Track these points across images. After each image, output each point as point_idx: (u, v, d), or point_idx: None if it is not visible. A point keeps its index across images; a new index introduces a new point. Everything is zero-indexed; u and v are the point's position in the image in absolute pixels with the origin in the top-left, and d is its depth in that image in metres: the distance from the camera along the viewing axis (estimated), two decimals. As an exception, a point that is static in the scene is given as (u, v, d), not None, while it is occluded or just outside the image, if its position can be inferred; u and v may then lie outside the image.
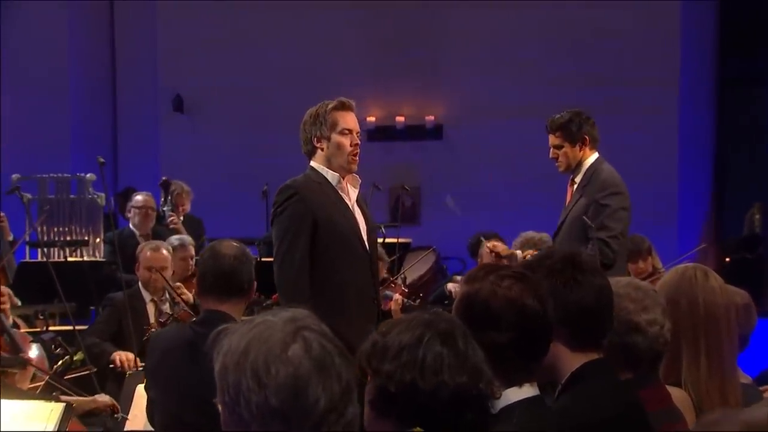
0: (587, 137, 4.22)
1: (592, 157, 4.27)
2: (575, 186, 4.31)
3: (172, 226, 6.54)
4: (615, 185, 4.18)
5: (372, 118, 9.85)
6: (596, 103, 9.41)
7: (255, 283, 3.04)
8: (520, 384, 1.75)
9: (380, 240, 6.55)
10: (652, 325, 2.12)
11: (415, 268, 7.49)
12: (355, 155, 3.69)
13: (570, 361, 1.92)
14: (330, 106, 3.71)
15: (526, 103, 9.35)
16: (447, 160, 9.78)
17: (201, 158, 9.80)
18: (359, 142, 3.72)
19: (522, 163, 9.22)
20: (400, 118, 9.86)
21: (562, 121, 4.23)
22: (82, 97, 9.84)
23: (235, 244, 3.08)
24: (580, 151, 4.23)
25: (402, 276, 6.54)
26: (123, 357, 4.62)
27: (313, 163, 3.75)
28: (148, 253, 5.05)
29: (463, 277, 1.86)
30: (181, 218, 6.77)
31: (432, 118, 9.84)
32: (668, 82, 9.44)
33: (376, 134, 9.82)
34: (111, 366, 4.57)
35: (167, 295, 5.04)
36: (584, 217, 4.06)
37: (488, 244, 4.59)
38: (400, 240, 7.35)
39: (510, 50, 9.65)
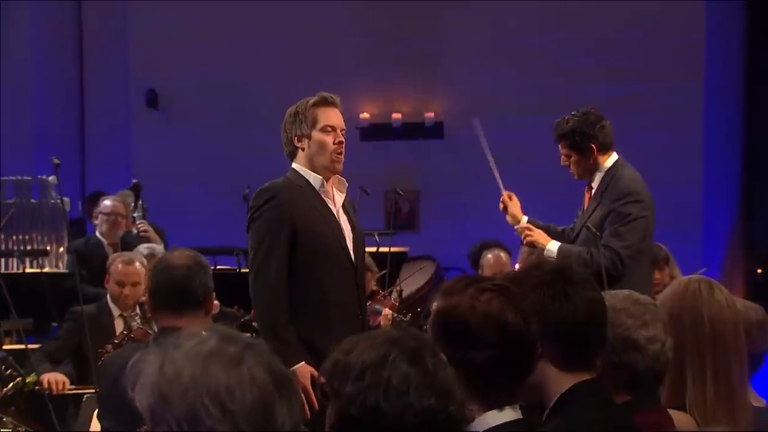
0: (594, 145, 4.21)
1: (610, 160, 4.27)
2: (592, 192, 4.32)
3: (142, 234, 6.55)
4: (635, 192, 4.18)
5: (366, 115, 9.87)
6: (613, 99, 9.45)
7: (213, 293, 3.06)
8: (500, 407, 1.76)
9: (373, 249, 6.58)
10: (653, 342, 2.13)
11: (412, 280, 7.50)
12: (339, 154, 3.71)
13: (559, 381, 1.93)
14: (311, 102, 3.74)
15: (536, 99, 9.38)
16: (448, 162, 9.79)
17: (177, 159, 9.82)
18: (344, 140, 3.74)
19: (532, 164, 9.23)
20: (397, 115, 9.88)
21: (566, 128, 4.24)
22: (45, 93, 9.86)
23: (187, 252, 3.10)
24: (591, 158, 4.23)
25: (397, 288, 6.56)
26: (51, 379, 4.53)
27: (294, 165, 3.78)
28: (120, 267, 5.08)
29: (440, 290, 1.88)
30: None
31: (432, 115, 9.86)
32: (692, 76, 9.47)
33: (370, 133, 9.83)
34: (37, 388, 4.47)
35: (138, 311, 5.05)
36: (588, 224, 4.07)
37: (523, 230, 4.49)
38: (395, 249, 7.37)
39: (519, 41, 9.67)
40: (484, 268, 5.87)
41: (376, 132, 9.87)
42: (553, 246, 4.27)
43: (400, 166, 9.82)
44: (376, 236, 6.80)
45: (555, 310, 1.94)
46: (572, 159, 4.25)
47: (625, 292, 2.21)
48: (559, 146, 4.30)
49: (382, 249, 6.54)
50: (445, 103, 9.88)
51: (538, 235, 4.31)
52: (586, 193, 4.38)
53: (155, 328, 4.56)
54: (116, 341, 4.41)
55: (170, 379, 1.25)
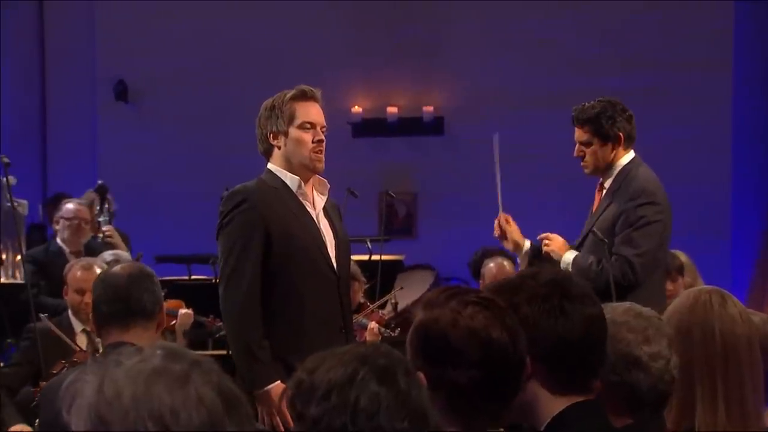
0: (621, 134, 4.20)
1: (627, 157, 4.27)
2: (604, 191, 4.32)
3: (107, 240, 6.57)
4: (651, 193, 4.18)
5: (358, 109, 9.89)
6: (631, 91, 9.44)
7: (163, 305, 3.09)
8: (482, 432, 1.78)
9: (365, 257, 6.59)
10: (656, 359, 2.14)
11: (408, 292, 7.51)
12: (318, 152, 3.72)
13: (551, 403, 1.95)
14: (288, 95, 3.76)
15: (546, 91, 9.40)
16: (449, 160, 9.80)
17: (148, 157, 9.82)
18: (324, 138, 3.75)
19: (540, 164, 9.26)
20: (392, 109, 9.90)
21: (592, 112, 4.21)
22: (3, 84, 9.86)
23: (131, 264, 3.18)
24: (612, 150, 4.22)
25: (392, 301, 6.57)
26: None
27: (269, 165, 3.80)
28: (78, 273, 5.09)
29: (420, 302, 1.89)
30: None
31: (431, 109, 9.87)
32: (719, 65, 9.49)
33: (363, 128, 9.86)
34: None
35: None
36: (594, 230, 4.08)
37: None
38: (390, 257, 7.38)
39: (526, 27, 9.69)
40: (486, 278, 5.89)
41: (370, 128, 9.89)
42: (569, 257, 4.27)
43: (396, 165, 9.84)
44: (368, 243, 6.81)
45: (549, 326, 1.95)
46: (591, 148, 4.23)
47: (627, 304, 2.22)
48: (578, 132, 4.26)
49: (375, 257, 6.54)
50: (445, 96, 9.90)
51: (557, 245, 4.32)
52: (597, 193, 4.38)
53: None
54: (54, 371, 4.31)
55: (109, 400, 1.25)
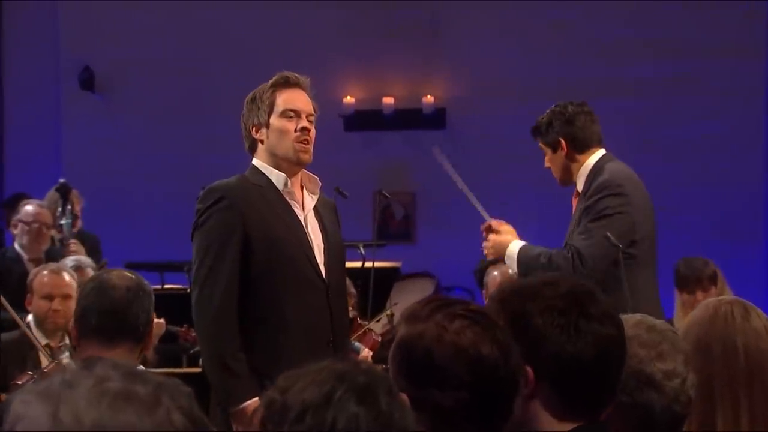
0: (562, 140, 4.38)
1: (594, 157, 4.42)
2: (579, 197, 4.45)
3: (72, 248, 6.58)
4: (616, 185, 4.30)
5: (350, 100, 9.91)
6: (656, 81, 9.50)
7: (153, 326, 3.12)
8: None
9: (358, 264, 6.60)
10: (671, 377, 2.15)
11: (406, 302, 7.52)
12: (303, 142, 3.74)
13: (553, 429, 1.96)
14: (269, 83, 3.78)
15: (561, 81, 9.39)
16: (451, 157, 9.74)
17: (118, 153, 9.84)
18: (310, 127, 3.77)
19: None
20: (389, 100, 9.92)
21: (537, 122, 4.51)
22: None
23: (128, 274, 3.15)
24: (565, 157, 4.39)
25: (387, 313, 6.56)
26: None
27: (254, 161, 3.82)
28: (46, 278, 5.11)
29: (404, 315, 1.90)
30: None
31: (431, 99, 9.90)
32: (752, 52, 9.51)
33: (356, 122, 9.89)
34: None
35: (67, 340, 5.07)
36: (608, 233, 4.14)
37: None
38: (385, 264, 7.39)
39: (538, 9, 9.70)
40: (489, 288, 5.91)
41: (363, 120, 9.92)
42: (514, 248, 4.38)
43: (393, 162, 9.85)
44: (361, 249, 6.82)
45: (560, 343, 1.96)
46: (548, 158, 4.48)
47: (638, 316, 2.23)
48: (538, 144, 4.52)
49: (368, 264, 6.55)
50: (447, 86, 9.92)
51: (498, 245, 4.41)
52: (573, 199, 4.51)
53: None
54: (19, 382, 4.31)
55: (68, 429, 1.21)
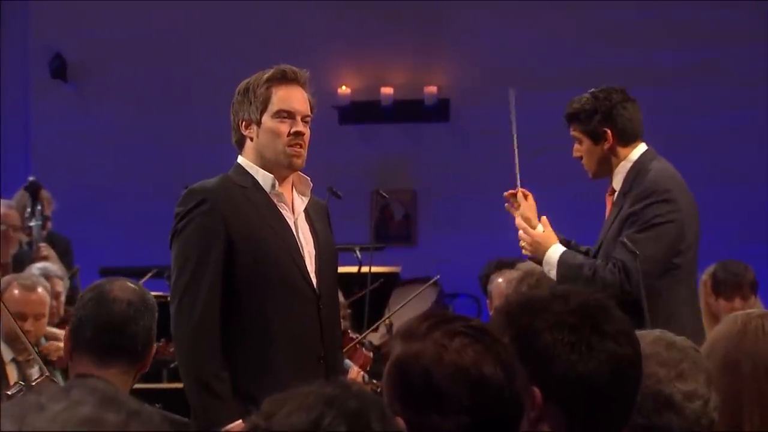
0: (609, 131, 4.31)
1: (636, 152, 4.36)
2: (615, 195, 4.40)
3: (43, 253, 6.59)
4: (663, 190, 4.25)
5: (346, 90, 9.91)
6: (677, 70, 9.49)
7: (154, 346, 3.11)
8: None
9: (354, 269, 6.60)
10: (692, 399, 2.16)
11: (406, 310, 7.51)
12: (296, 146, 3.73)
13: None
14: (265, 76, 3.77)
15: (575, 69, 9.39)
16: (455, 152, 9.82)
17: (92, 148, 9.83)
18: (305, 131, 3.76)
19: (565, 156, 9.24)
20: (387, 90, 9.91)
21: (576, 107, 4.38)
22: None
23: (132, 286, 3.15)
24: (607, 150, 4.33)
25: (386, 323, 6.56)
26: None
27: (240, 159, 3.81)
28: (18, 295, 5.12)
29: (398, 332, 1.91)
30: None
31: (434, 90, 9.89)
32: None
33: (351, 114, 9.89)
34: None
35: (36, 354, 5.07)
36: (624, 240, 4.12)
37: None
38: (384, 269, 7.40)
39: (550, -11, 9.72)
40: (493, 297, 5.89)
41: (360, 113, 9.91)
42: (554, 252, 4.32)
43: (391, 157, 9.85)
44: (356, 252, 6.83)
45: (571, 362, 1.96)
46: (584, 148, 4.37)
47: (656, 332, 2.24)
48: (571, 131, 4.42)
49: (365, 269, 6.57)
50: (450, 75, 9.91)
51: (539, 242, 4.37)
52: (608, 198, 4.47)
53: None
54: (9, 393, 4.39)
55: None
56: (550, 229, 4.42)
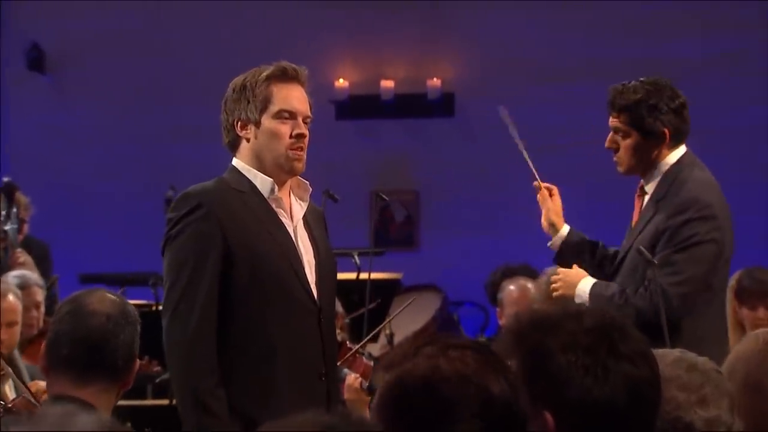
0: (667, 131, 4.23)
1: (675, 154, 4.29)
2: (646, 198, 4.36)
3: (19, 259, 6.59)
4: (704, 205, 4.19)
5: (343, 84, 9.90)
6: (705, 62, 9.44)
7: (136, 362, 3.11)
8: None
9: (352, 276, 6.60)
10: (714, 425, 2.16)
11: (407, 319, 7.51)
12: (298, 149, 3.74)
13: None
14: (264, 73, 3.77)
15: (585, 60, 9.41)
16: (460, 149, 9.81)
17: (71, 145, 9.82)
18: (306, 132, 3.77)
19: (578, 153, 9.25)
20: (388, 84, 9.90)
21: (631, 98, 4.25)
22: None
23: (111, 297, 3.14)
24: (653, 148, 4.26)
25: (386, 333, 6.56)
26: None
27: (235, 162, 3.81)
28: None
29: (381, 364, 1.91)
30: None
31: (437, 83, 9.88)
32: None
33: (349, 108, 9.88)
34: None
35: (9, 368, 5.08)
36: (641, 248, 4.09)
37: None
38: (384, 275, 7.40)
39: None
40: (504, 305, 5.90)
41: (358, 107, 9.91)
42: (585, 286, 4.29)
43: (392, 155, 9.84)
44: (355, 257, 6.82)
45: (585, 386, 1.96)
46: (627, 142, 4.27)
47: (676, 352, 2.24)
48: (612, 120, 4.32)
49: (363, 275, 6.55)
50: (455, 66, 9.90)
51: (569, 280, 4.35)
52: (636, 199, 4.42)
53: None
54: None
55: None
56: (568, 274, 4.39)
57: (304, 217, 3.83)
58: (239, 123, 3.74)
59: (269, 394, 3.59)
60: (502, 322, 6.06)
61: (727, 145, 9.18)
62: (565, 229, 4.48)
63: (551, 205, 4.53)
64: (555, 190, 4.58)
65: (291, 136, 3.71)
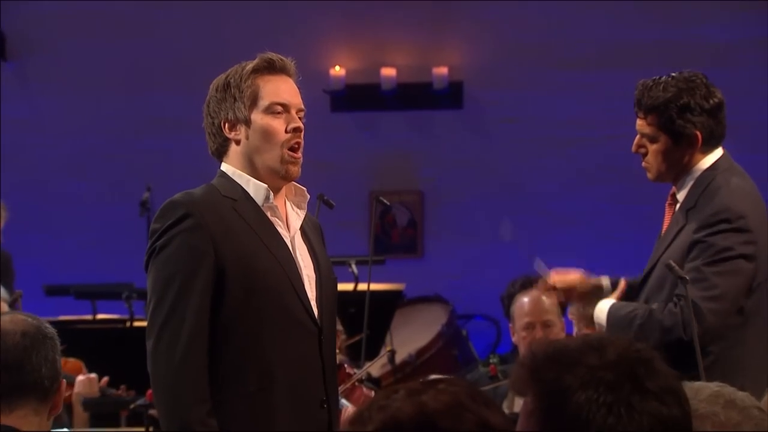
0: (699, 134, 4.22)
1: (709, 159, 4.28)
2: (677, 206, 4.37)
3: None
4: (738, 214, 4.17)
5: (339, 72, 9.91)
6: (730, 46, 9.48)
7: (63, 382, 3.13)
8: None
9: (349, 287, 6.63)
10: (752, 471, 2.18)
11: (410, 336, 7.51)
12: (295, 148, 3.75)
13: None
14: (248, 67, 3.77)
15: (604, 46, 9.43)
16: (469, 145, 9.82)
17: (37, 139, 9.82)
18: (302, 125, 3.79)
19: (600, 152, 9.27)
20: (389, 72, 9.92)
21: (660, 96, 4.24)
22: None
23: (23, 316, 3.16)
24: (684, 153, 4.27)
25: (388, 349, 6.59)
26: None
27: (224, 167, 3.80)
28: None
29: (344, 423, 1.94)
30: None
31: (443, 71, 9.88)
32: None
33: (347, 99, 9.91)
34: None
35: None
36: (671, 262, 4.10)
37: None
38: (384, 286, 7.42)
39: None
40: (515, 319, 5.88)
41: (357, 98, 9.93)
42: (604, 306, 4.32)
43: (394, 152, 9.87)
44: (352, 266, 6.84)
45: (607, 426, 1.95)
46: (656, 146, 4.27)
47: (713, 386, 2.24)
48: (639, 122, 4.31)
49: (362, 286, 6.58)
50: (463, 54, 9.92)
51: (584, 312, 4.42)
52: (667, 207, 4.40)
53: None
54: None
55: None
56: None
57: (302, 227, 3.83)
58: (227, 124, 3.73)
59: (267, 425, 3.59)
60: (514, 339, 6.07)
61: (758, 140, 9.19)
62: (605, 280, 4.50)
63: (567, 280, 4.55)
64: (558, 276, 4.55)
65: (286, 131, 3.72)
